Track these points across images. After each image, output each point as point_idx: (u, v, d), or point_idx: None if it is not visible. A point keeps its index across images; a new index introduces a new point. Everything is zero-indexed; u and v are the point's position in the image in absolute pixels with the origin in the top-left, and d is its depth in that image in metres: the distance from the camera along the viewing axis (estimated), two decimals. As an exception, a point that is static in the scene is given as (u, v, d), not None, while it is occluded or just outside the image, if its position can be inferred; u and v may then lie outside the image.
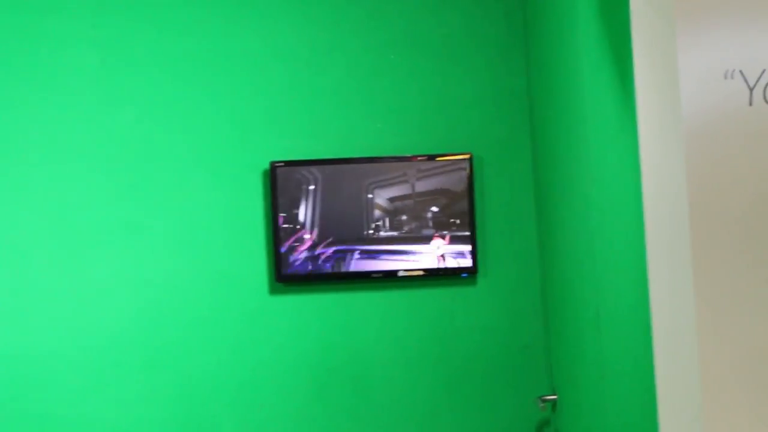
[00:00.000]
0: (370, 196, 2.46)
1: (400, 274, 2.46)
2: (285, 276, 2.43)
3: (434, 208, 2.47)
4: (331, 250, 2.45)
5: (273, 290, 2.46)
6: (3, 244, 2.39)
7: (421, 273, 2.46)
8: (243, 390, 2.44)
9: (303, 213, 2.44)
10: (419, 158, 2.47)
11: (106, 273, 2.42)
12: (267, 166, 2.46)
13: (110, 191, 2.44)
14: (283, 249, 2.43)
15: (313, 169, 2.45)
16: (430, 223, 2.46)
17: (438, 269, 2.47)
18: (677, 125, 1.42)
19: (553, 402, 2.42)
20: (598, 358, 2.02)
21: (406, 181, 2.47)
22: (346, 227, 2.45)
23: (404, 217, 2.46)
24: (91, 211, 2.42)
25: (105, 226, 2.43)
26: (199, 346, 2.44)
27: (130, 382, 2.41)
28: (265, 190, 2.46)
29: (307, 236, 2.44)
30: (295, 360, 2.46)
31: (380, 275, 2.46)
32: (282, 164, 2.44)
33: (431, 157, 2.48)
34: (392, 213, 2.46)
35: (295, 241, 2.43)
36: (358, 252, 2.45)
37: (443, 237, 2.46)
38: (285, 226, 2.44)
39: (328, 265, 2.45)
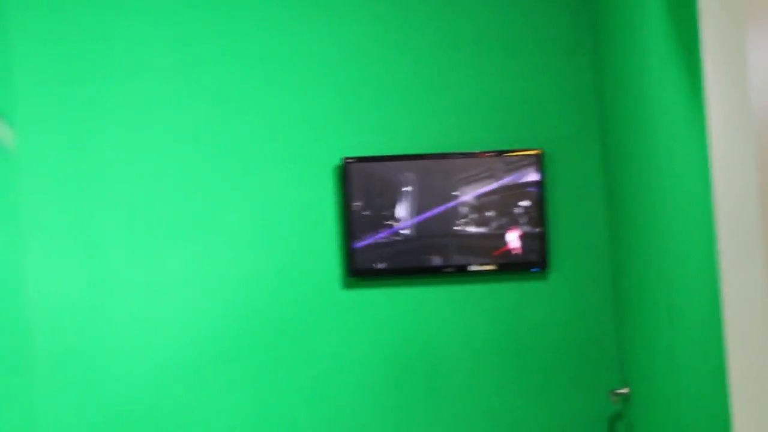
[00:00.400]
0: (453, 192, 2.50)
1: (472, 268, 2.50)
2: (357, 271, 2.49)
3: (507, 206, 2.49)
4: (400, 243, 2.50)
5: (346, 285, 2.52)
6: (89, 240, 2.49)
7: (492, 268, 2.49)
8: (318, 382, 2.51)
9: (374, 208, 2.50)
10: (489, 154, 2.51)
11: (185, 268, 2.51)
12: (339, 161, 2.52)
13: (189, 188, 2.53)
14: (354, 244, 2.49)
15: (384, 164, 2.50)
16: (502, 219, 2.49)
17: (509, 264, 2.49)
18: (747, 120, 1.42)
19: (626, 395, 2.43)
20: (670, 352, 2.03)
21: (477, 178, 2.50)
22: (419, 227, 2.50)
23: (474, 215, 2.50)
24: (172, 207, 2.52)
25: (184, 222, 2.52)
26: (275, 338, 2.51)
27: (208, 375, 2.50)
28: (336, 185, 2.53)
29: (377, 230, 2.49)
30: (368, 352, 2.52)
31: (452, 270, 2.50)
32: (353, 160, 2.50)
33: (501, 153, 2.51)
34: (462, 209, 2.50)
35: (366, 236, 2.49)
36: (427, 246, 2.50)
37: (514, 232, 2.49)
38: (356, 220, 2.49)
39: (398, 259, 2.50)
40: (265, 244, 2.53)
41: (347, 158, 2.50)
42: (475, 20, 2.56)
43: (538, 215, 2.49)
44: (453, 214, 2.50)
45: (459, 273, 2.51)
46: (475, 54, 2.56)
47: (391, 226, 2.50)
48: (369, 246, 2.49)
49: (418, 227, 2.50)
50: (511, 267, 2.50)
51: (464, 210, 2.50)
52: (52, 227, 2.49)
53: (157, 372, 2.49)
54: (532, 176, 2.49)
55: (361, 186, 2.49)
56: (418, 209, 2.50)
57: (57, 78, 2.50)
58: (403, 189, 2.50)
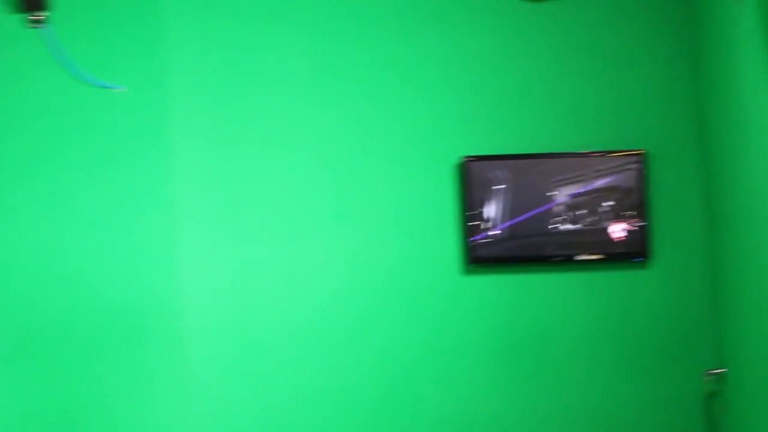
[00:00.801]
0: (552, 192, 2.74)
1: (580, 258, 2.74)
2: (474, 258, 2.75)
3: (611, 201, 2.73)
4: (515, 235, 2.75)
5: (465, 272, 2.78)
6: (235, 228, 2.77)
7: (598, 257, 2.74)
8: (441, 359, 2.77)
9: (491, 203, 2.75)
10: (596, 154, 2.75)
11: (321, 255, 2.79)
12: (459, 160, 2.78)
13: (321, 184, 2.80)
14: (472, 234, 2.74)
15: (501, 163, 2.75)
16: (608, 213, 2.73)
17: (614, 254, 2.74)
18: None
19: (721, 375, 2.66)
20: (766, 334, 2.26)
21: (584, 176, 2.74)
22: (531, 217, 2.75)
23: (584, 211, 2.74)
24: (310, 200, 2.79)
25: (316, 215, 2.79)
26: (402, 318, 2.78)
27: (340, 354, 2.77)
28: (456, 182, 2.78)
29: (494, 223, 2.75)
30: (483, 332, 2.78)
31: (561, 258, 2.75)
32: (473, 159, 2.75)
33: (607, 153, 2.74)
34: (572, 205, 2.74)
35: (483, 227, 2.75)
36: (539, 238, 2.74)
37: (619, 225, 2.73)
38: (474, 213, 2.75)
39: (512, 249, 2.75)
40: (391, 234, 2.79)
41: (467, 157, 2.76)
42: (584, 31, 2.80)
43: (641, 209, 2.72)
44: (563, 210, 2.73)
45: (567, 262, 2.75)
46: (584, 61, 2.80)
47: (506, 218, 2.74)
48: (484, 236, 2.74)
49: (529, 221, 2.74)
50: (616, 257, 2.74)
51: (572, 207, 2.73)
52: (202, 217, 2.77)
53: (294, 345, 2.77)
54: (636, 174, 2.72)
55: (480, 182, 2.74)
56: (529, 204, 2.75)
57: (210, 82, 2.77)
58: (517, 185, 2.74)
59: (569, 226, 2.74)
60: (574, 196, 2.74)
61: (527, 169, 2.75)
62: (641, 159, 2.73)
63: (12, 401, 2.70)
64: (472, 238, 2.74)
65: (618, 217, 2.73)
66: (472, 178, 2.75)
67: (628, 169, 2.73)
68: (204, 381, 2.76)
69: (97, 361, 2.73)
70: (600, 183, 2.74)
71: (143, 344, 2.73)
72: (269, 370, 2.77)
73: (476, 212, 2.75)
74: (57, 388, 2.73)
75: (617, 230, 2.73)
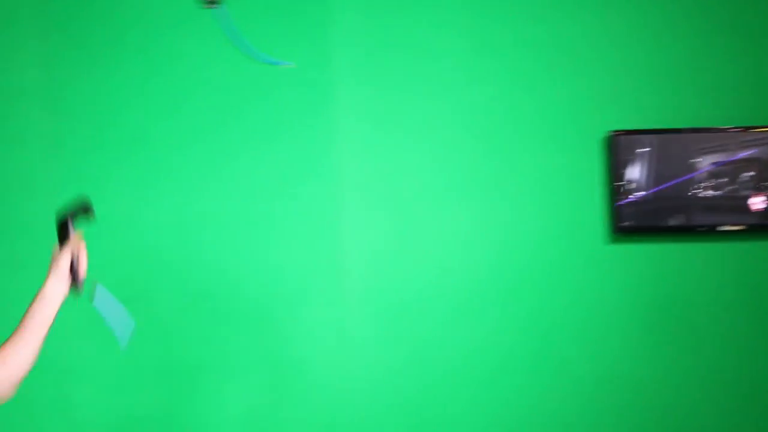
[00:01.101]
0: (695, 159, 2.88)
1: (722, 228, 2.87)
2: (620, 227, 2.89)
3: (751, 172, 2.85)
4: (659, 204, 2.89)
5: (610, 240, 2.93)
6: (392, 197, 2.96)
7: (739, 228, 2.87)
8: (585, 323, 2.93)
9: (636, 173, 2.89)
10: (737, 129, 2.87)
11: (470, 223, 2.96)
12: (606, 134, 2.93)
13: (474, 156, 2.96)
14: (618, 202, 2.89)
15: (647, 137, 2.89)
16: (747, 183, 2.86)
17: (753, 225, 2.86)
18: None
19: None
20: None
21: (727, 147, 2.87)
22: (673, 189, 2.88)
23: (725, 179, 2.86)
24: (458, 173, 2.96)
25: (469, 185, 2.95)
26: (548, 286, 2.94)
27: (489, 317, 2.94)
28: (603, 155, 2.93)
29: (638, 192, 2.89)
30: (627, 299, 2.93)
31: (704, 229, 2.88)
32: (619, 133, 2.90)
33: (748, 129, 2.87)
34: (714, 173, 2.87)
35: (628, 196, 2.89)
36: (682, 204, 2.88)
37: (759, 197, 2.85)
38: (620, 184, 2.89)
39: (656, 218, 2.89)
40: (543, 203, 2.94)
41: (614, 131, 2.90)
42: (726, 9, 2.92)
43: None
44: (706, 181, 2.87)
45: (709, 233, 2.89)
46: (726, 40, 2.93)
47: (651, 190, 2.88)
48: (629, 205, 2.89)
49: (672, 193, 2.88)
50: (756, 228, 2.87)
51: (718, 172, 2.86)
52: (362, 186, 2.96)
53: (446, 309, 2.94)
54: (778, 148, 2.85)
55: (626, 155, 2.88)
56: (674, 177, 2.88)
57: (372, 59, 2.95)
58: (663, 159, 2.88)
59: (711, 192, 2.87)
60: (716, 165, 2.87)
61: (671, 142, 2.88)
62: (783, 133, 2.85)
63: (191, 354, 2.95)
64: (617, 206, 2.89)
65: (758, 189, 2.85)
66: (619, 151, 2.89)
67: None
68: (361, 340, 2.95)
69: (263, 319, 2.94)
70: (742, 155, 2.86)
71: (305, 304, 2.94)
72: (422, 331, 2.95)
73: (622, 183, 2.89)
74: (226, 345, 2.95)
75: (757, 202, 2.86)
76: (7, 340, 1.90)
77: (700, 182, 2.87)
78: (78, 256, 1.98)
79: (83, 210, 2.02)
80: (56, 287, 1.98)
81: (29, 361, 1.91)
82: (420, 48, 2.97)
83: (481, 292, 2.96)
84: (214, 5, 2.89)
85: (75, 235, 2.01)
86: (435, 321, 2.96)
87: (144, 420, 2.96)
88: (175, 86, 2.96)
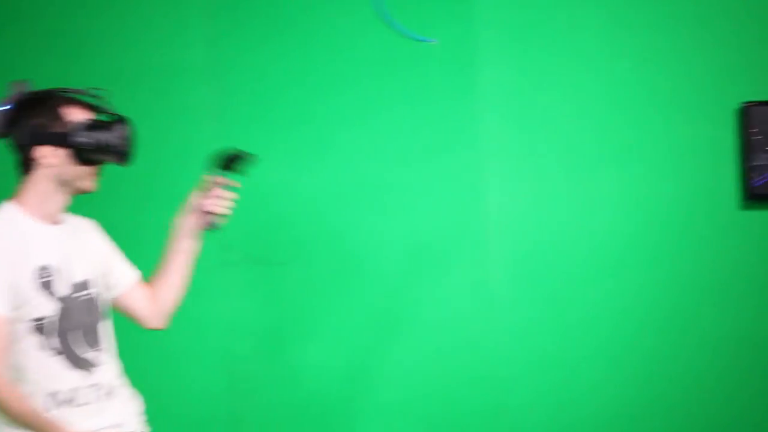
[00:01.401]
0: None
1: None
2: (752, 195, 3.05)
3: None
4: None
5: (742, 207, 3.10)
6: (535, 163, 3.15)
7: None
8: (719, 286, 3.10)
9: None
10: None
11: (607, 190, 3.14)
12: (739, 105, 3.07)
13: (611, 125, 3.14)
14: (750, 173, 3.04)
15: None
16: None
17: None
18: None
19: None
20: None
21: None
22: None
23: None
24: (596, 141, 3.15)
25: (606, 153, 3.14)
26: (683, 251, 3.13)
27: (625, 279, 3.12)
28: (736, 125, 3.08)
29: None
30: (758, 264, 3.10)
31: None
32: (752, 104, 3.04)
33: None
34: None
35: (760, 166, 3.04)
36: None
37: None
38: (752, 155, 3.05)
39: None
40: (678, 171, 3.11)
41: (747, 102, 3.05)
42: None
43: None
44: None
45: None
46: None
47: None
48: (762, 177, 3.03)
49: None
50: None
51: None
52: (505, 153, 3.16)
53: (586, 270, 3.14)
54: None
55: (759, 125, 3.03)
56: None
57: (514, 34, 3.15)
58: None
59: None
60: None
61: None
62: None
63: (345, 314, 3.21)
64: (751, 176, 3.04)
65: None
66: (752, 121, 3.03)
67: None
68: (504, 300, 3.16)
69: (410, 279, 3.17)
70: None
71: (451, 266, 3.17)
72: (562, 292, 3.15)
73: (754, 153, 3.03)
74: (376, 306, 3.20)
75: None
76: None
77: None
78: (212, 198, 2.27)
79: (234, 159, 2.27)
80: (188, 220, 2.30)
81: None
82: (561, 24, 3.15)
83: (619, 255, 3.14)
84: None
85: (218, 181, 2.28)
86: (575, 283, 3.15)
87: (303, 369, 3.23)
88: (331, 63, 3.20)
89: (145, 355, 2.43)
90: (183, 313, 2.50)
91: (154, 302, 2.38)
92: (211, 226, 2.31)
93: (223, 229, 2.29)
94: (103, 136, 2.09)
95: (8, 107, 2.10)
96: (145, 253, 2.38)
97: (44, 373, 2.08)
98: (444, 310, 3.18)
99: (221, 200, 2.29)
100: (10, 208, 2.08)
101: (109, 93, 2.15)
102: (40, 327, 2.05)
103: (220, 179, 2.29)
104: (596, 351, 3.14)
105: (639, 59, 3.13)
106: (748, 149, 3.04)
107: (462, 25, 3.15)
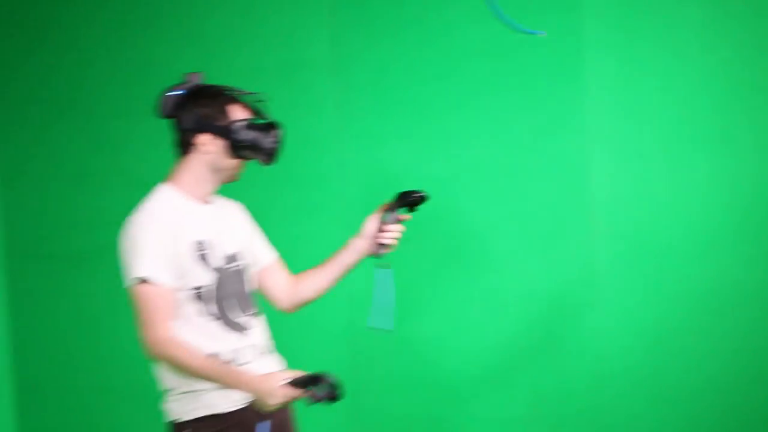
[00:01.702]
0: None
1: None
2: None
3: None
4: None
5: None
6: (633, 150, 3.36)
7: None
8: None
9: None
10: None
11: (702, 173, 3.33)
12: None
13: (706, 111, 3.32)
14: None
15: None
16: None
17: None
18: None
19: None
20: None
21: None
22: None
23: None
24: (691, 127, 3.33)
25: (701, 139, 3.33)
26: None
27: (722, 256, 3.31)
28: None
29: None
30: None
31: None
32: None
33: None
34: None
35: None
36: None
37: None
38: None
39: None
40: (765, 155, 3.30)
41: None
42: None
43: None
44: None
45: None
46: None
47: None
48: None
49: None
50: None
51: None
52: (609, 136, 3.36)
53: (684, 248, 3.32)
54: None
55: None
56: None
57: (620, 28, 3.33)
58: None
59: None
60: None
61: None
62: None
63: (451, 292, 3.49)
64: None
65: None
66: None
67: None
68: (606, 277, 3.37)
69: (518, 255, 3.44)
70: None
71: (556, 243, 3.41)
72: (662, 270, 3.34)
73: None
74: (482, 285, 3.47)
75: None
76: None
77: None
78: (388, 229, 2.48)
79: (416, 200, 2.48)
80: (359, 242, 2.52)
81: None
82: (661, 18, 3.33)
83: (711, 234, 3.33)
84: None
85: (396, 216, 2.49)
86: (675, 261, 3.34)
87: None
88: (446, 56, 3.47)
89: (274, 327, 2.72)
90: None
91: (292, 289, 2.60)
92: (376, 254, 2.50)
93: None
94: (258, 137, 2.35)
95: (180, 93, 2.39)
96: (271, 235, 2.63)
97: (205, 337, 2.33)
98: (549, 285, 3.42)
99: (394, 235, 2.50)
100: (167, 190, 2.38)
101: (264, 97, 2.42)
102: (198, 295, 2.33)
103: (398, 216, 2.50)
104: (690, 324, 3.35)
105: (734, 50, 3.29)
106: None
107: (569, 18, 3.37)
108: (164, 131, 3.23)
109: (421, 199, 2.48)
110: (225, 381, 2.30)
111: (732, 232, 3.33)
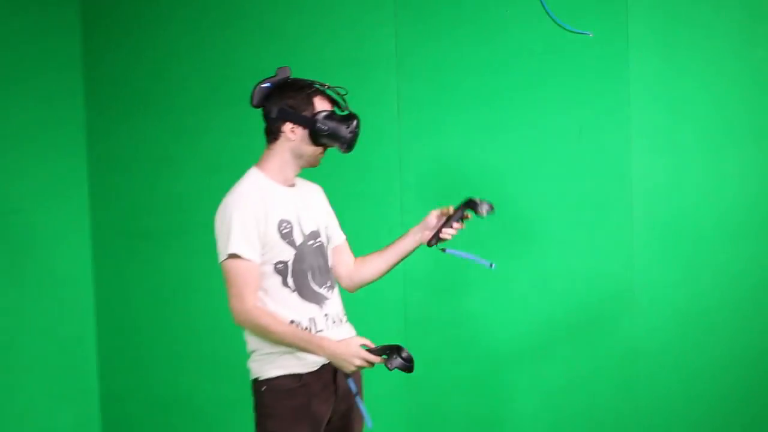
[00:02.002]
0: None
1: None
2: None
3: None
4: None
5: None
6: (670, 141, 3.58)
7: None
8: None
9: None
10: None
11: (739, 162, 3.51)
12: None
13: (746, 107, 3.52)
14: None
15: None
16: None
17: None
18: None
19: None
20: None
21: None
22: None
23: None
24: (733, 120, 3.52)
25: (741, 130, 3.51)
26: None
27: (755, 239, 3.53)
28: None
29: None
30: None
31: None
32: None
33: None
34: None
35: None
36: None
37: None
38: None
39: None
40: None
41: None
42: None
43: None
44: None
45: None
46: None
47: None
48: None
49: None
50: None
51: None
52: (650, 131, 3.59)
53: (720, 232, 3.53)
54: None
55: None
56: None
57: (664, 29, 3.57)
58: None
59: None
60: None
61: None
62: None
63: (502, 267, 3.50)
64: None
65: None
66: None
67: None
68: (646, 259, 3.62)
69: (563, 238, 3.70)
70: None
71: (599, 228, 3.66)
72: (697, 253, 3.57)
73: None
74: (531, 260, 3.75)
75: None
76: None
77: None
78: (450, 224, 2.70)
79: (481, 205, 2.70)
80: (420, 232, 2.76)
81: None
82: (700, 23, 3.54)
83: (745, 223, 3.53)
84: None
85: (462, 215, 2.72)
86: (708, 247, 3.56)
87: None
88: (498, 52, 3.76)
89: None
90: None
91: (355, 270, 2.86)
92: (432, 244, 2.73)
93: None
94: (337, 126, 2.58)
95: (269, 85, 2.62)
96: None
97: (286, 307, 2.59)
98: (590, 268, 3.68)
99: (454, 231, 2.73)
100: (256, 173, 2.65)
101: (344, 90, 2.66)
102: (280, 269, 2.60)
103: (463, 215, 2.73)
104: (721, 307, 3.57)
105: (764, 55, 3.50)
106: None
107: (615, 22, 3.62)
108: (237, 122, 3.57)
109: (487, 207, 2.71)
110: (305, 346, 2.54)
111: (760, 221, 3.55)
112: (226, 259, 2.56)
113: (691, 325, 3.61)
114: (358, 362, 2.52)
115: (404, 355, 2.50)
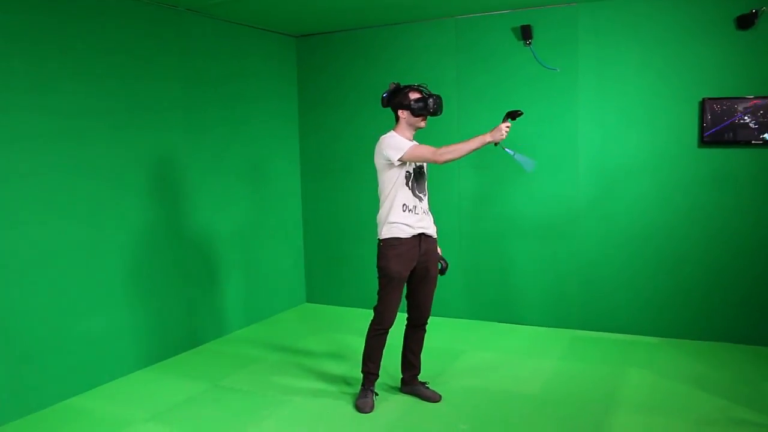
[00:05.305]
0: (740, 107, 5.71)
1: (755, 142, 5.73)
2: (704, 142, 5.84)
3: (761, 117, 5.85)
4: (721, 131, 5.72)
5: (699, 146, 5.87)
6: (600, 121, 6.25)
7: (759, 143, 5.74)
8: (687, 199, 5.95)
9: (710, 118, 5.67)
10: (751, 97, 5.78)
11: (628, 136, 6.10)
12: (699, 99, 5.81)
13: (632, 100, 6.11)
14: (703, 132, 5.82)
15: (718, 99, 5.66)
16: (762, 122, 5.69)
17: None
18: None
19: None
20: None
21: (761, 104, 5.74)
22: (730, 123, 5.76)
23: (752, 120, 5.91)
24: (626, 109, 6.09)
25: (629, 116, 6.07)
26: (662, 173, 6.00)
27: (639, 182, 6.10)
28: (698, 110, 5.80)
29: (710, 127, 5.66)
30: (707, 175, 5.91)
31: (759, 143, 5.54)
32: (711, 99, 5.71)
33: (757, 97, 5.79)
34: (750, 111, 5.74)
35: (707, 128, 5.70)
36: (733, 130, 5.67)
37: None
38: (705, 125, 5.80)
39: (721, 138, 5.76)
40: (672, 128, 5.97)
41: (707, 98, 5.72)
42: None
43: (782, 122, 5.70)
44: (746, 118, 5.72)
45: (764, 145, 5.42)
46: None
47: (716, 125, 5.83)
48: (712, 134, 5.83)
49: (732, 124, 5.73)
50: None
51: (751, 112, 5.60)
52: (589, 112, 6.25)
53: (622, 175, 6.21)
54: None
55: (714, 113, 5.75)
56: (732, 115, 5.71)
57: (595, 65, 6.25)
58: (721, 109, 5.74)
59: (747, 119, 5.61)
60: (750, 109, 5.58)
61: (724, 102, 5.69)
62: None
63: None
64: (705, 133, 5.83)
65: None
66: (705, 108, 5.84)
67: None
68: (589, 192, 6.25)
69: (539, 176, 6.42)
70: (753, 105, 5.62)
71: (559, 170, 6.32)
72: (614, 181, 6.23)
73: (705, 124, 5.78)
74: (523, 188, 6.51)
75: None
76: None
77: (741, 120, 5.71)
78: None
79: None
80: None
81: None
82: (618, 61, 6.14)
83: (643, 164, 5.93)
84: (528, 43, 6.63)
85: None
86: (621, 178, 5.94)
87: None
88: (513, 78, 6.38)
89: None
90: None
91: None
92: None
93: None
94: (425, 103, 4.14)
95: (386, 95, 4.29)
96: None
97: (404, 197, 4.20)
98: (557, 191, 6.30)
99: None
100: (394, 133, 4.24)
101: (429, 86, 5.15)
102: (407, 176, 4.23)
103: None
104: (631, 210, 5.91)
105: (657, 74, 6.00)
106: (702, 119, 5.84)
107: (571, 61, 6.18)
108: (374, 114, 6.26)
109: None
110: (477, 144, 3.88)
111: (648, 165, 5.83)
112: (404, 154, 4.04)
113: (611, 220, 6.12)
114: (504, 129, 3.89)
115: (515, 115, 3.98)
